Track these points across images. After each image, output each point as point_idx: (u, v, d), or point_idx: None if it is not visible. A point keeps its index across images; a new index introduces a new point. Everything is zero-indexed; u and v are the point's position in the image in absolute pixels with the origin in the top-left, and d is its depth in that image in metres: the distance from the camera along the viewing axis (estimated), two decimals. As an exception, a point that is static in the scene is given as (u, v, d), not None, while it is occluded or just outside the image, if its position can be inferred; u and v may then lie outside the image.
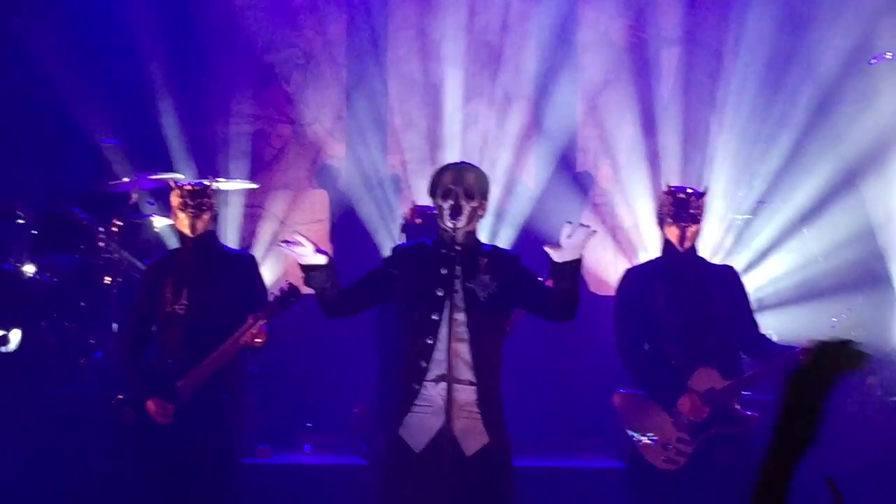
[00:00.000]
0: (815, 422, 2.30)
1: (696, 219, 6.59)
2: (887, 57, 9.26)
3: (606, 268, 10.79)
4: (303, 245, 5.08)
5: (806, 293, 9.50)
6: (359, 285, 5.41)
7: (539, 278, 5.42)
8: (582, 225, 4.97)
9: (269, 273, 10.27)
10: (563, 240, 4.97)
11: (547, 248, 5.05)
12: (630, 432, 6.51)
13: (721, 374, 6.43)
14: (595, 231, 5.02)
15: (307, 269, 5.18)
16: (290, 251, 5.11)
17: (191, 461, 6.39)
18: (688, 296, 6.54)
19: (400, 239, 7.53)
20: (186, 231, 6.63)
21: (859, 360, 2.31)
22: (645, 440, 6.44)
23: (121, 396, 6.47)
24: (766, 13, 10.66)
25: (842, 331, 6.54)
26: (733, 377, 6.45)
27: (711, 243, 9.93)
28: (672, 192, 6.65)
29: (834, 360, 2.31)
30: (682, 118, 10.96)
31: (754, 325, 6.68)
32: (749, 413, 6.44)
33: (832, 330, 6.62)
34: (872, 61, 9.43)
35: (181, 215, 6.62)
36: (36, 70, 10.50)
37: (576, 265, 5.08)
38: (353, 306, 5.43)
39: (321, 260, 5.15)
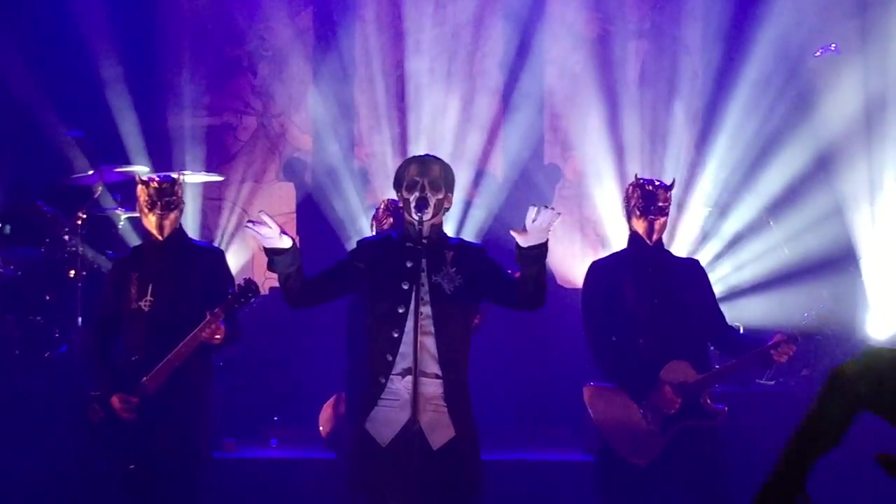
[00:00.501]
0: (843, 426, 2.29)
1: (663, 211, 6.60)
2: (832, 49, 9.31)
3: (574, 261, 10.81)
4: (269, 227, 5.02)
5: (771, 283, 9.52)
6: (323, 275, 5.37)
7: (508, 271, 5.39)
8: (546, 207, 4.92)
9: (235, 264, 10.25)
10: (529, 223, 4.93)
11: (513, 232, 5.00)
12: (599, 425, 6.49)
13: (693, 367, 6.43)
14: (560, 213, 4.96)
15: (271, 253, 5.12)
16: (255, 232, 5.04)
17: (156, 457, 6.33)
18: (655, 288, 6.54)
19: (372, 233, 7.48)
20: (155, 231, 6.56)
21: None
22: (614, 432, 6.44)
23: (95, 394, 6.41)
24: (731, 4, 10.69)
25: (814, 322, 6.53)
26: (703, 370, 6.45)
27: (677, 235, 9.96)
28: (640, 184, 6.65)
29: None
30: (649, 110, 10.98)
31: (722, 317, 6.69)
32: (719, 407, 6.44)
33: (804, 321, 6.61)
34: (818, 53, 9.47)
35: (149, 215, 6.54)
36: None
37: (542, 250, 5.02)
38: (317, 296, 5.37)
39: (286, 243, 5.08)
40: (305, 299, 5.32)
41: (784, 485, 2.31)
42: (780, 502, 2.30)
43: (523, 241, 4.99)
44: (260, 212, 5.11)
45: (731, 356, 6.60)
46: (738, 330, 6.93)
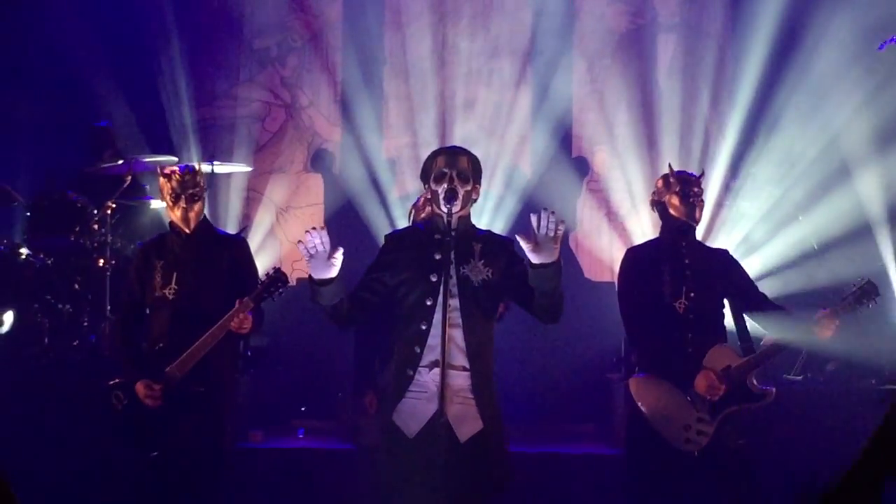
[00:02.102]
0: None
1: (700, 197, 6.64)
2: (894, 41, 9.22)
3: (601, 254, 10.79)
4: (318, 246, 5.01)
5: (801, 280, 9.48)
6: (362, 290, 5.33)
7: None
8: (545, 210, 4.85)
9: (261, 255, 10.26)
10: (536, 231, 4.85)
11: (521, 240, 4.93)
12: (647, 413, 6.42)
13: (736, 351, 6.44)
14: (563, 221, 4.89)
15: (317, 284, 5.08)
16: (304, 251, 4.99)
17: (180, 445, 6.33)
18: (691, 277, 6.52)
19: (409, 222, 7.46)
20: (182, 224, 6.59)
21: None
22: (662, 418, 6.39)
23: (113, 382, 6.42)
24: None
25: (855, 295, 6.45)
26: (746, 354, 6.45)
27: (706, 228, 9.94)
28: (676, 173, 6.70)
29: None
30: (678, 103, 10.94)
31: (763, 296, 6.66)
32: (766, 388, 6.42)
33: (844, 296, 6.50)
34: (883, 46, 9.38)
35: (175, 209, 6.58)
36: (30, 53, 10.47)
37: (555, 271, 4.95)
38: (363, 314, 5.35)
39: (333, 272, 5.05)
40: (353, 321, 5.35)
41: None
42: None
43: (535, 256, 4.92)
44: (322, 227, 5.07)
45: (778, 333, 6.55)
46: (783, 307, 6.80)
